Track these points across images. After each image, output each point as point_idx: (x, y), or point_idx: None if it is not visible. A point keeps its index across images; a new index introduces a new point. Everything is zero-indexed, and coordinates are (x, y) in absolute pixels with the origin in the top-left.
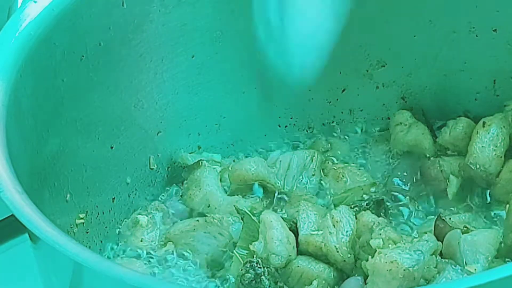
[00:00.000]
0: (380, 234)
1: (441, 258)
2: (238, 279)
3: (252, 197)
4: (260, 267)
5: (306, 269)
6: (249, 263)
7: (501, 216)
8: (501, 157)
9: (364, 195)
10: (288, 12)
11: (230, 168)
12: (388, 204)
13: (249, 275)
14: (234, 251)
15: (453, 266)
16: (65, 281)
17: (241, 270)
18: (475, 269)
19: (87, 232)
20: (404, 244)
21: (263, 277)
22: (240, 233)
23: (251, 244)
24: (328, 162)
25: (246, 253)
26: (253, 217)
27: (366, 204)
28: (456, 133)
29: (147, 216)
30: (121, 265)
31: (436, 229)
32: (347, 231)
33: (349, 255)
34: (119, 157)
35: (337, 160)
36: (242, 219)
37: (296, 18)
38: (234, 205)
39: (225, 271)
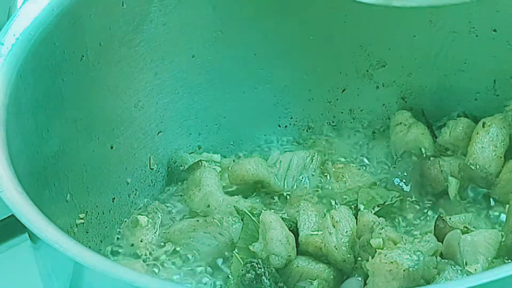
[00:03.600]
0: (380, 233)
1: (441, 258)
2: (239, 279)
3: (252, 197)
4: (261, 268)
5: (306, 269)
6: (250, 263)
7: (501, 216)
8: (501, 157)
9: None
10: None
11: (230, 168)
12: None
13: (250, 275)
14: (234, 251)
15: (453, 266)
16: (65, 281)
17: (242, 270)
18: (475, 269)
19: (87, 232)
20: (405, 244)
21: (263, 277)
22: (240, 234)
23: (251, 244)
24: (328, 162)
25: (246, 253)
26: (253, 218)
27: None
28: (456, 133)
29: (147, 216)
30: (121, 265)
31: (436, 229)
32: (346, 232)
33: (348, 255)
34: (119, 157)
35: (337, 160)
36: (242, 219)
37: None
38: (234, 206)
39: (225, 271)
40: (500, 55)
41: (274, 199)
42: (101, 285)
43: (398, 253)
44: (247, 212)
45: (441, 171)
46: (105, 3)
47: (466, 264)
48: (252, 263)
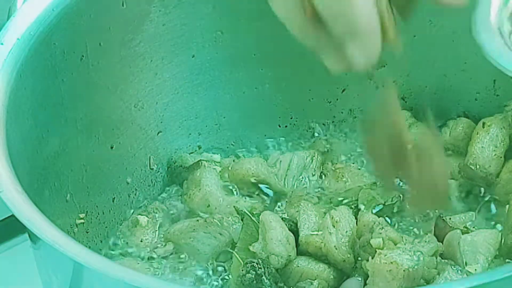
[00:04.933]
0: (380, 233)
1: (441, 258)
2: (239, 279)
3: (252, 197)
4: (261, 268)
5: (306, 269)
6: (250, 263)
7: (501, 217)
8: (501, 157)
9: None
10: None
11: (230, 168)
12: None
13: (250, 275)
14: (234, 251)
15: (452, 266)
16: (65, 281)
17: (242, 270)
18: (475, 269)
19: (87, 232)
20: (405, 244)
21: (263, 277)
22: (239, 234)
23: (250, 245)
24: (328, 162)
25: (246, 253)
26: (252, 218)
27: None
28: (457, 134)
29: (147, 216)
30: (121, 265)
31: (436, 229)
32: (346, 231)
33: (348, 255)
34: (119, 157)
35: (337, 160)
36: (242, 219)
37: None
38: (234, 206)
39: (225, 271)
40: None
41: (273, 200)
42: (101, 285)
43: (398, 253)
44: (247, 212)
45: None
46: (105, 3)
47: (466, 264)
48: (252, 263)
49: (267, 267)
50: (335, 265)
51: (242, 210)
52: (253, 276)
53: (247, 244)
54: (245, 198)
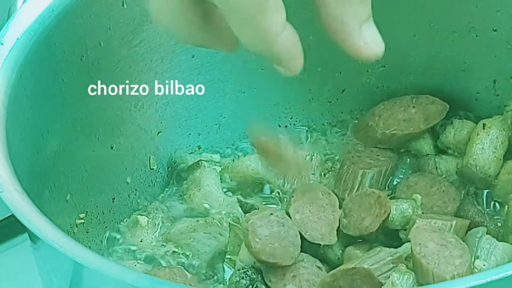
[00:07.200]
0: None
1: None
2: (233, 285)
3: (252, 197)
4: (254, 273)
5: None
6: (242, 269)
7: (500, 217)
8: (500, 159)
9: None
10: None
11: (230, 167)
12: None
13: (245, 281)
14: (225, 257)
15: None
16: (65, 281)
17: (235, 277)
18: (484, 265)
19: (87, 232)
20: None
21: (257, 282)
22: (228, 239)
23: (238, 252)
24: (328, 162)
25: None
26: (237, 225)
27: None
28: (461, 137)
29: (147, 216)
30: (121, 265)
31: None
32: None
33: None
34: (119, 157)
35: (337, 160)
36: (244, 212)
37: None
38: (237, 198)
39: (225, 272)
40: (500, 55)
41: (274, 198)
42: (101, 285)
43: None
44: (233, 223)
45: (436, 167)
46: (105, 3)
47: (477, 257)
48: (245, 269)
49: (260, 273)
50: (332, 265)
51: (245, 203)
52: (248, 281)
53: (236, 251)
54: (245, 197)
